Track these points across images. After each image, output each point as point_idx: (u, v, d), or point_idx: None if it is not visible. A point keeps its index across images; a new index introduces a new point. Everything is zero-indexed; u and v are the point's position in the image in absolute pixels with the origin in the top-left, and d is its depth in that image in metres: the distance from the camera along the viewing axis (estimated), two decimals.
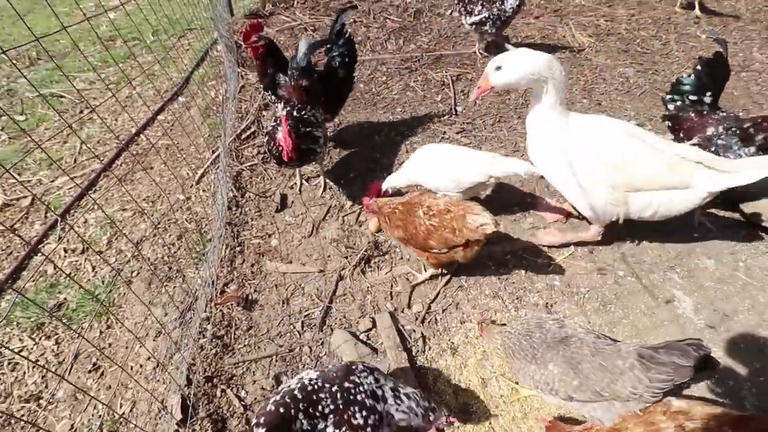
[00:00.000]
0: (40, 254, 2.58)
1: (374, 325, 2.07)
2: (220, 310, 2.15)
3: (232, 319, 2.13)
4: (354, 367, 1.42)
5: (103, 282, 2.37)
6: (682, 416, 1.26)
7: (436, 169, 2.32)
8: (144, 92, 3.75)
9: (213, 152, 3.17)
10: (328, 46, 2.95)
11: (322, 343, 2.02)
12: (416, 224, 1.94)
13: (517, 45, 4.28)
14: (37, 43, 5.22)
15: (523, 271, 2.26)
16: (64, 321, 2.15)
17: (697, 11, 4.23)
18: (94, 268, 2.48)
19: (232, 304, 2.17)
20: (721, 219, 2.48)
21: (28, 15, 6.05)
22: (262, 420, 1.22)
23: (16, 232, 2.71)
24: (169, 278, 2.37)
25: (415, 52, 4.17)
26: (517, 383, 1.80)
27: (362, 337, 2.03)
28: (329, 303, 2.17)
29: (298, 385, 1.32)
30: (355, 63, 2.98)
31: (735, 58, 3.89)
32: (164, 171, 3.08)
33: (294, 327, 2.09)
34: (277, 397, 1.29)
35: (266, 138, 2.48)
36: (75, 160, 3.35)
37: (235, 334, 2.07)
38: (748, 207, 2.35)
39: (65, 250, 2.60)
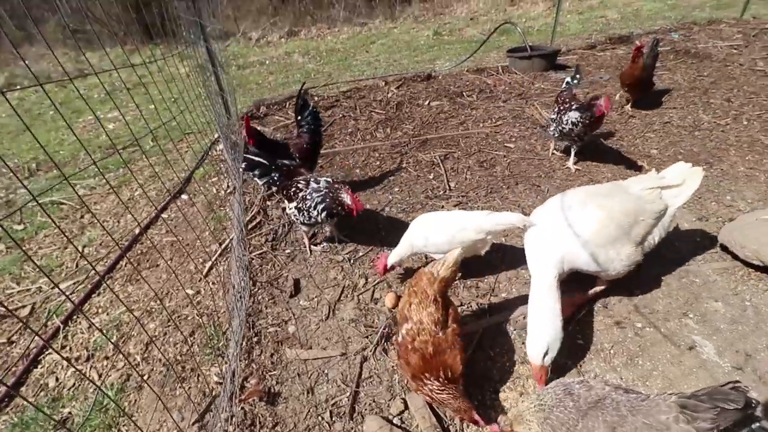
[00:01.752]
0: (40, 366, 2.45)
1: (406, 407, 1.99)
2: (242, 408, 2.03)
3: (256, 417, 2.00)
4: None
5: (111, 387, 2.23)
6: None
7: (433, 234, 2.41)
8: (146, 193, 3.85)
9: (220, 244, 3.23)
10: (298, 118, 3.50)
11: None
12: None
13: (492, 125, 4.74)
14: (36, 156, 5.40)
15: None
16: None
17: (628, 108, 4.85)
18: (101, 375, 2.35)
19: (254, 400, 2.06)
20: (713, 262, 2.62)
21: (27, 131, 6.36)
22: None
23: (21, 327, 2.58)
24: (183, 378, 2.26)
25: (402, 138, 4.55)
26: None
27: (396, 420, 1.93)
28: (356, 387, 2.09)
29: None
30: (321, 127, 3.59)
31: (686, 120, 4.41)
32: (170, 268, 3.08)
33: (323, 418, 1.98)
34: None
35: (316, 197, 2.71)
36: (77, 265, 3.33)
37: None
38: (737, 248, 2.52)
39: (68, 359, 2.47)
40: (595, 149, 4.07)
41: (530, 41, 6.61)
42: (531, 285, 2.09)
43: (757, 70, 5.44)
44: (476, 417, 1.74)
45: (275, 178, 2.90)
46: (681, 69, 5.80)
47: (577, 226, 2.11)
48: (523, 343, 2.13)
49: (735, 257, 2.57)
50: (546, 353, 1.87)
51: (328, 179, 2.78)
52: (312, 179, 2.80)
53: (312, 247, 3.07)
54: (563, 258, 2.09)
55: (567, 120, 3.52)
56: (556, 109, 3.69)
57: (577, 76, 3.84)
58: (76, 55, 10.52)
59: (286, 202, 2.89)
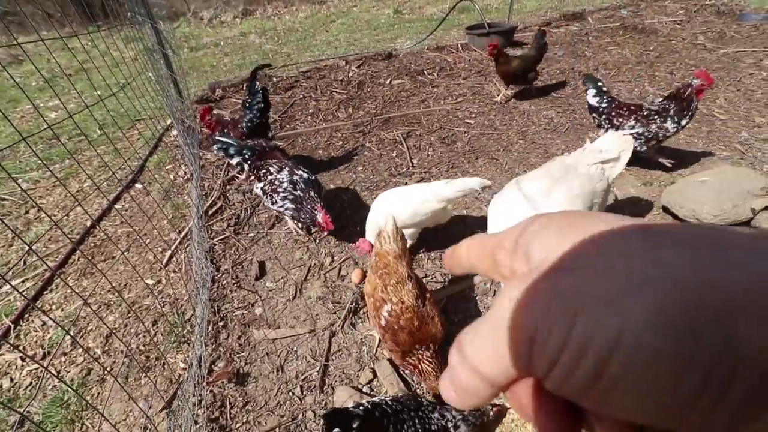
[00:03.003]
0: None
1: (375, 376, 2.05)
2: (211, 391, 2.02)
3: (226, 398, 2.00)
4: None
5: (72, 383, 2.16)
6: None
7: (396, 209, 2.40)
8: (96, 184, 3.66)
9: (179, 232, 3.13)
10: (246, 99, 3.54)
11: (325, 405, 1.95)
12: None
13: (452, 102, 4.80)
14: None
15: None
16: None
17: (500, 97, 4.74)
18: (59, 372, 2.26)
19: (223, 382, 2.05)
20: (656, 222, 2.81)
21: None
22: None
23: None
24: (148, 368, 2.21)
25: (364, 117, 4.52)
26: None
27: (365, 389, 1.99)
28: (326, 361, 2.12)
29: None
30: (268, 110, 3.64)
31: (633, 92, 4.63)
32: (127, 259, 2.97)
33: (293, 393, 2.01)
34: None
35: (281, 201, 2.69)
36: (24, 262, 3.14)
37: (231, 413, 1.94)
38: (676, 208, 2.72)
39: (23, 359, 2.36)
40: (549, 122, 4.22)
41: (489, 19, 6.66)
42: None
43: (697, 44, 5.76)
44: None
45: (247, 156, 2.92)
46: (629, 44, 6.05)
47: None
48: (485, 308, 2.22)
49: (675, 216, 2.77)
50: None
51: (304, 176, 2.72)
52: (287, 167, 2.76)
53: (298, 229, 2.99)
54: None
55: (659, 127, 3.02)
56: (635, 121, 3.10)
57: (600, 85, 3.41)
58: (8, 40, 9.65)
59: (255, 181, 2.90)
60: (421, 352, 1.79)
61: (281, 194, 2.66)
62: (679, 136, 3.77)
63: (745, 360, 0.19)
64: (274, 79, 5.71)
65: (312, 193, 2.64)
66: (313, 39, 8.40)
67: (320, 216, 2.55)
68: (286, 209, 2.68)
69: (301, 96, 5.19)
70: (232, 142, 2.95)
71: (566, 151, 3.69)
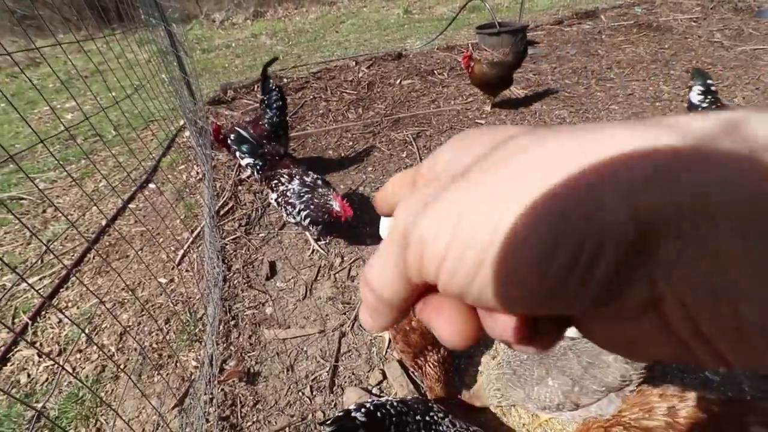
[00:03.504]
0: (9, 364, 2.38)
1: (384, 377, 2.05)
2: (222, 390, 2.04)
3: (236, 397, 2.02)
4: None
5: (87, 379, 2.20)
6: (675, 398, 1.34)
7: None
8: (111, 184, 3.72)
9: (191, 232, 3.17)
10: (263, 98, 3.41)
11: (335, 405, 1.95)
12: None
13: (463, 102, 4.77)
14: None
15: None
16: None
17: (487, 108, 4.60)
18: (74, 368, 2.30)
19: (234, 381, 2.07)
20: None
21: None
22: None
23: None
24: (160, 366, 2.24)
25: (374, 118, 4.52)
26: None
27: (375, 390, 1.99)
28: (335, 362, 2.13)
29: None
30: (286, 107, 3.50)
31: (647, 91, 4.55)
32: (140, 258, 3.02)
33: (303, 393, 2.02)
34: None
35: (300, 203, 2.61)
36: (42, 260, 3.21)
37: (241, 412, 1.96)
38: None
39: (39, 355, 2.41)
40: (561, 122, 4.17)
41: (499, 18, 6.61)
42: None
43: (714, 41, 5.64)
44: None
45: (259, 165, 2.88)
46: (644, 42, 5.95)
47: None
48: None
49: None
50: None
51: (316, 179, 2.70)
52: (297, 175, 2.72)
53: (315, 245, 2.86)
54: None
55: None
56: None
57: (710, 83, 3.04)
58: (26, 43, 9.88)
59: (268, 191, 2.89)
60: (430, 354, 1.78)
61: (296, 202, 2.60)
62: None
63: (611, 233, 0.19)
64: (285, 80, 5.75)
65: (322, 189, 2.62)
66: (323, 40, 8.44)
67: (336, 203, 2.49)
68: (305, 216, 2.56)
69: (311, 97, 5.21)
70: (249, 138, 2.89)
71: None
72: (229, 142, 3.14)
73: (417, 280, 0.26)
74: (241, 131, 2.96)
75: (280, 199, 2.70)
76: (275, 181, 2.77)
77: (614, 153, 0.20)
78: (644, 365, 1.50)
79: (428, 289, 0.27)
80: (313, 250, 2.86)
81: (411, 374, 2.03)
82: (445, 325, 0.27)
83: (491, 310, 0.26)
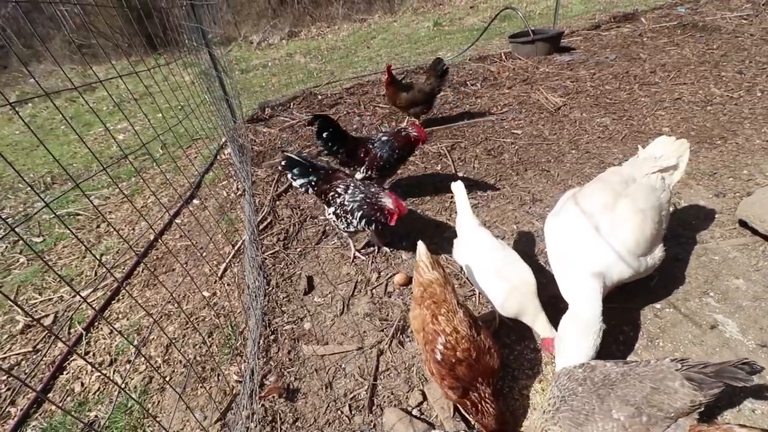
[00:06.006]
0: (65, 372, 2.51)
1: (425, 398, 1.99)
2: (263, 405, 2.06)
3: (276, 413, 2.03)
4: None
5: (135, 390, 2.28)
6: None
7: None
8: (159, 200, 3.92)
9: (233, 246, 3.26)
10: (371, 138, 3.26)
11: (374, 426, 1.92)
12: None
13: (498, 112, 4.69)
14: (51, 170, 5.51)
15: None
16: None
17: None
18: (123, 379, 2.40)
19: (274, 397, 2.08)
20: (732, 238, 2.56)
21: (40, 146, 6.49)
22: None
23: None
24: (204, 379, 2.29)
25: None
26: None
27: (415, 412, 1.94)
28: (374, 381, 2.10)
29: None
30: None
31: (697, 95, 4.30)
32: (186, 271, 3.13)
33: (342, 412, 2.00)
34: None
35: (358, 206, 2.59)
36: (95, 273, 3.40)
37: (281, 429, 1.96)
38: (756, 223, 2.45)
39: (92, 364, 2.53)
40: (603, 130, 4.00)
41: (532, 25, 6.50)
42: (569, 316, 1.86)
43: None
44: None
45: (313, 182, 2.77)
46: (689, 43, 5.65)
47: (614, 237, 1.94)
48: None
49: (755, 232, 2.51)
50: None
51: (369, 183, 2.69)
52: (352, 183, 2.70)
53: (356, 253, 2.91)
54: (604, 276, 1.91)
55: None
56: None
57: None
58: (83, 69, 10.70)
59: (324, 206, 2.84)
60: (483, 388, 1.65)
61: (353, 207, 2.58)
62: (754, 141, 3.44)
63: None
64: (319, 97, 5.88)
65: (374, 188, 2.59)
66: (355, 56, 8.60)
67: (390, 201, 2.46)
68: (360, 217, 2.55)
69: (345, 112, 5.30)
70: (300, 160, 2.78)
71: (624, 161, 3.48)
72: (280, 168, 2.99)
73: None
74: (290, 155, 2.88)
75: (338, 211, 2.65)
76: (331, 194, 2.71)
77: None
78: (712, 391, 1.40)
79: None
80: (354, 257, 2.87)
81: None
82: None
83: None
